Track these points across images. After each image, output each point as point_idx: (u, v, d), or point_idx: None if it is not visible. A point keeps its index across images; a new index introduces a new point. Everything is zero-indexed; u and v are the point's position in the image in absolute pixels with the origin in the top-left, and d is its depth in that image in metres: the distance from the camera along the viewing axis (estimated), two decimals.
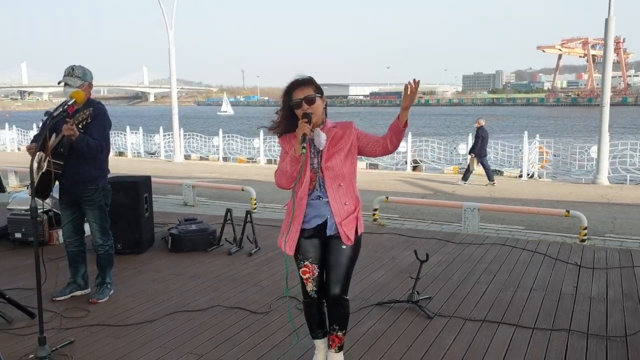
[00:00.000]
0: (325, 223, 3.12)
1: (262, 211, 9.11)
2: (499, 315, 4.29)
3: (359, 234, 3.17)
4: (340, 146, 3.10)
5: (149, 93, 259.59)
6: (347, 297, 3.23)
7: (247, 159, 21.89)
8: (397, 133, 3.01)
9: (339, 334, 3.27)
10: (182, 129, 22.35)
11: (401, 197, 9.62)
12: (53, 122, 4.11)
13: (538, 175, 16.61)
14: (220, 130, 23.19)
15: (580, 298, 4.68)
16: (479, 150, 14.13)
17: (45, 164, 4.33)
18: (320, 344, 3.36)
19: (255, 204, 8.88)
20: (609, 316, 4.28)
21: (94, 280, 4.85)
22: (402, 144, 18.82)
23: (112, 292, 4.82)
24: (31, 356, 3.49)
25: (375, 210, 8.32)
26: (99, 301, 4.65)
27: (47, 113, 4.32)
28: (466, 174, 14.55)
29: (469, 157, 14.96)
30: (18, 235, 6.53)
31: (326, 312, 3.30)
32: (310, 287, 3.20)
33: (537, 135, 17.20)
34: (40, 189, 4.37)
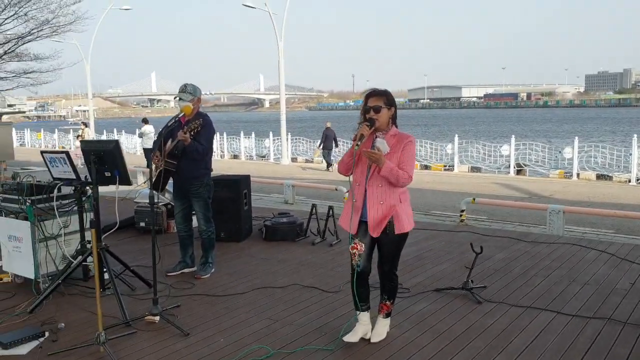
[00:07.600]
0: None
1: None
2: (545, 304, 4.68)
3: (396, 232, 3.77)
4: (389, 154, 3.76)
5: (264, 99, 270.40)
6: (396, 273, 3.97)
7: None
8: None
9: (387, 302, 4.03)
10: (289, 133, 23.69)
11: (488, 199, 9.88)
12: (167, 131, 5.13)
13: None
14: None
15: (634, 293, 4.91)
16: (323, 145, 20.42)
17: (162, 163, 5.38)
18: (362, 316, 4.03)
19: None
20: None
21: (199, 260, 5.85)
22: (505, 147, 18.87)
23: (213, 270, 5.79)
24: (147, 313, 4.48)
25: (462, 211, 8.70)
26: (202, 277, 5.64)
27: (165, 126, 5.34)
28: (327, 165, 20.20)
29: (318, 150, 21.74)
30: (142, 224, 7.78)
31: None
32: (355, 261, 3.90)
33: None
34: (157, 185, 5.42)
